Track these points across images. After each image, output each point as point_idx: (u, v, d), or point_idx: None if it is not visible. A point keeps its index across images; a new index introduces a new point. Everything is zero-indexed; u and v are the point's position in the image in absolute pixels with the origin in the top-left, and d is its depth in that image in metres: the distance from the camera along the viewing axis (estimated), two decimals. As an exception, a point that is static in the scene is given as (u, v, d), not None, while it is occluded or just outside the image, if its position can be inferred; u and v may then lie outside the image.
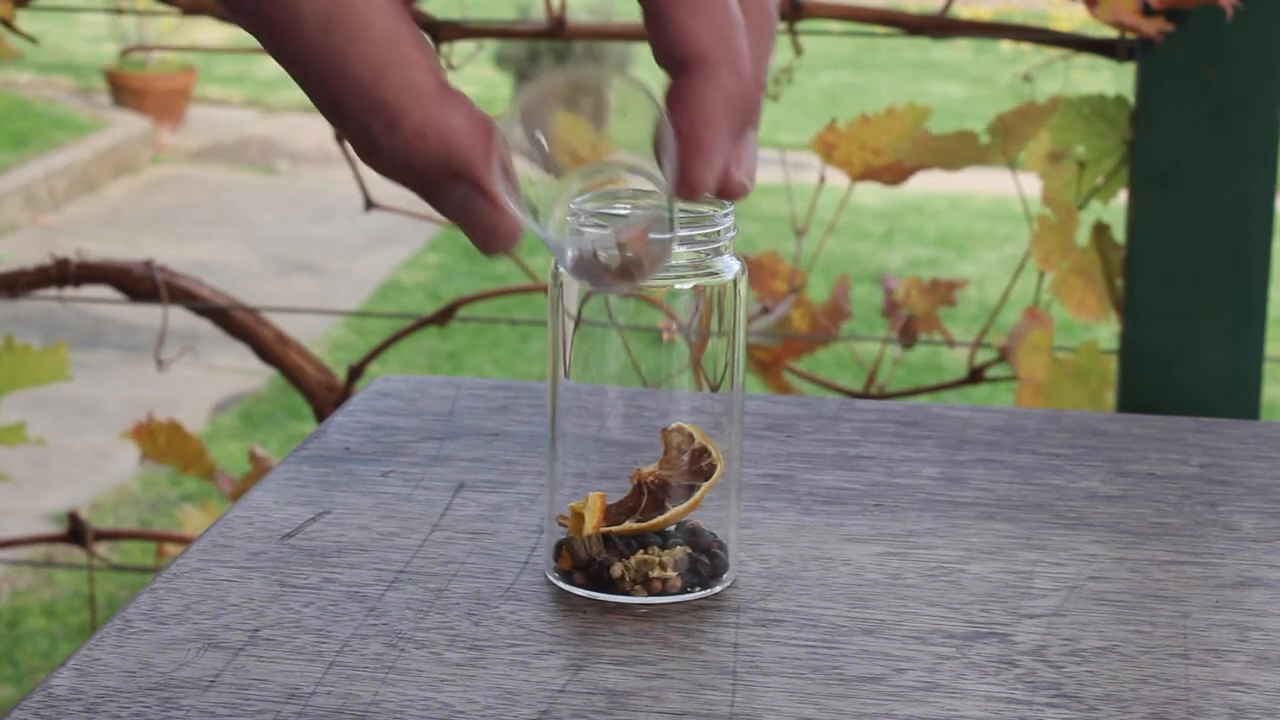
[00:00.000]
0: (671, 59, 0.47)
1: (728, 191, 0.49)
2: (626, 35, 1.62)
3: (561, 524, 0.68)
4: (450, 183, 0.47)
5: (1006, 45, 6.94)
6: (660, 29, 0.47)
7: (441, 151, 0.46)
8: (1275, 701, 0.61)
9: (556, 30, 1.46)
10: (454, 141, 0.46)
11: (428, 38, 0.47)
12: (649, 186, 0.54)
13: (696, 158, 0.47)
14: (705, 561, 0.67)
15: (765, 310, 1.51)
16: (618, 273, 0.52)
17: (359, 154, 0.47)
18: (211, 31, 7.02)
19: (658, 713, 0.59)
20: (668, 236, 0.52)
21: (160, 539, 1.95)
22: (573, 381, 0.67)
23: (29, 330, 3.48)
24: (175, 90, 6.40)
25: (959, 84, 7.25)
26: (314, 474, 0.79)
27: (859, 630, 0.65)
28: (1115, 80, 1.66)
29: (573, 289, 0.66)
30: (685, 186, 0.48)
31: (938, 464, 0.81)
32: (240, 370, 3.71)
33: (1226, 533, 0.75)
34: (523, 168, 0.49)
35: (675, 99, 0.47)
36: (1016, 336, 1.41)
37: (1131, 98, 1.39)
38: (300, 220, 5.21)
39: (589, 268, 0.53)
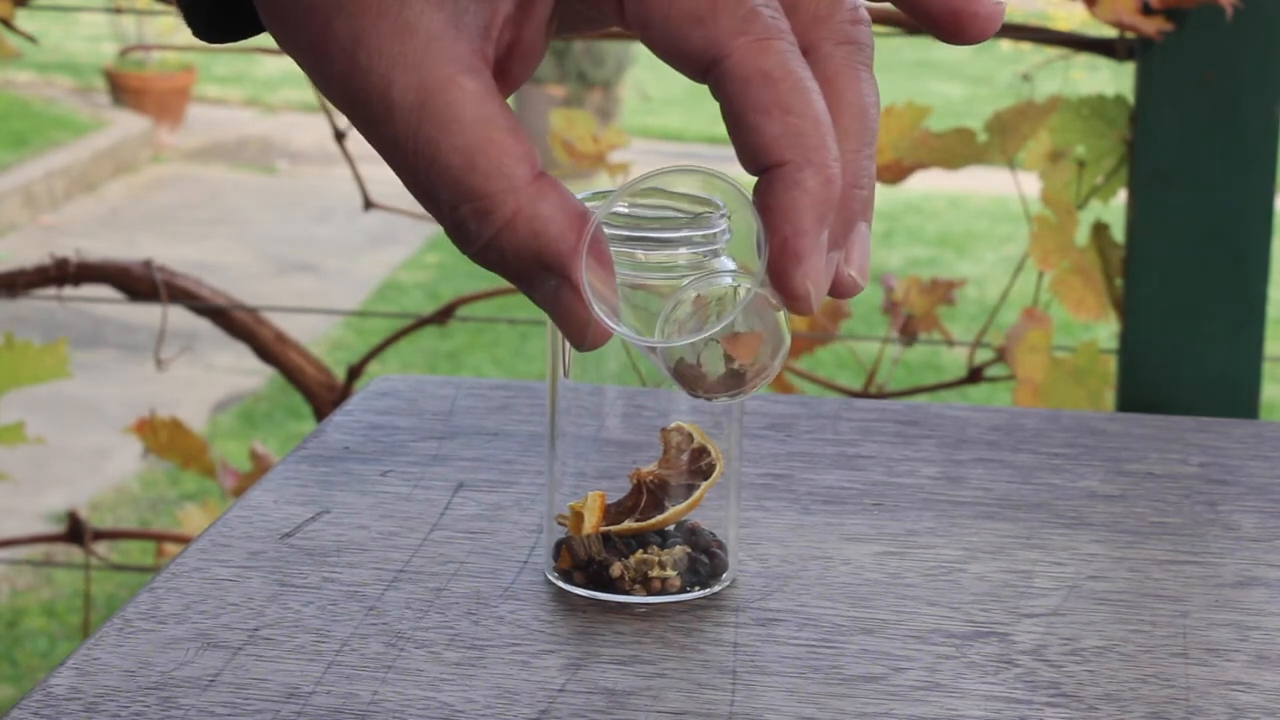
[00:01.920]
0: (753, 163, 0.45)
1: (838, 290, 0.47)
2: (626, 35, 1.62)
3: (561, 524, 0.68)
4: (541, 274, 0.46)
5: (1006, 45, 6.93)
6: (738, 133, 0.45)
7: (531, 243, 0.45)
8: (1275, 701, 0.61)
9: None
10: (544, 233, 0.45)
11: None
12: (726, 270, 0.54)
13: (791, 265, 0.46)
14: (705, 561, 0.67)
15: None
16: (716, 383, 0.51)
17: (453, 241, 0.46)
18: (211, 31, 7.02)
19: (657, 712, 0.59)
20: (781, 346, 0.50)
21: (159, 538, 1.95)
22: (572, 381, 0.67)
23: (29, 330, 3.48)
24: (175, 90, 6.41)
25: (958, 83, 7.25)
26: (313, 473, 0.79)
27: (859, 630, 0.65)
28: (1115, 80, 1.66)
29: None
30: (787, 297, 0.46)
31: (937, 463, 0.81)
32: (240, 370, 3.71)
33: (1226, 532, 0.75)
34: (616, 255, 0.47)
35: (760, 204, 0.45)
36: (1014, 337, 1.41)
37: (1131, 98, 1.39)
38: (300, 220, 5.21)
39: (684, 374, 0.51)
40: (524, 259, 0.46)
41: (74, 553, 2.50)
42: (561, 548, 0.68)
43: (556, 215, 0.45)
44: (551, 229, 0.45)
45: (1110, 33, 1.40)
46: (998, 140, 1.41)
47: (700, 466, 0.67)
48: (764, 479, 0.79)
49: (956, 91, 7.05)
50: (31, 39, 1.55)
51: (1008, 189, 1.67)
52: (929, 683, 0.61)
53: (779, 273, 0.46)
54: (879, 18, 1.46)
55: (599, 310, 0.47)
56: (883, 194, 5.31)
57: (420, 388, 0.89)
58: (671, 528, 0.68)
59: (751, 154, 0.45)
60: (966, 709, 0.60)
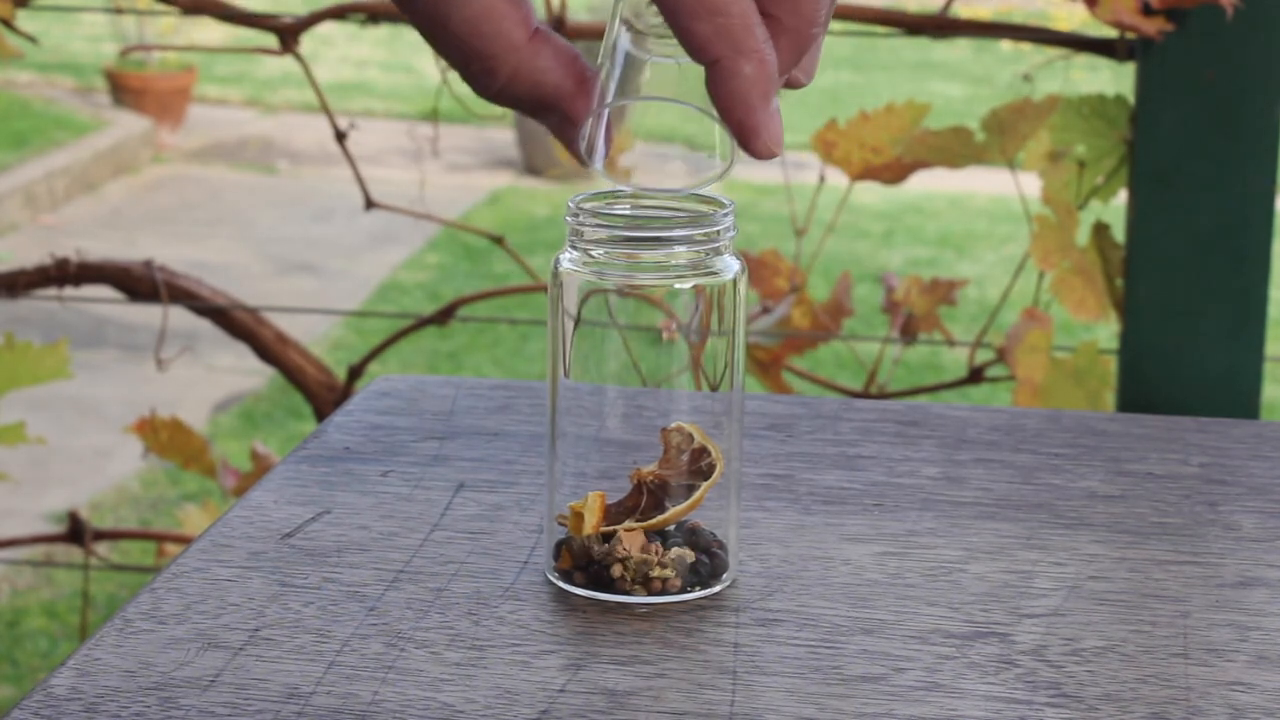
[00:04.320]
0: (697, 60, 0.54)
1: (789, 85, 0.57)
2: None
3: (561, 524, 0.68)
4: (544, 113, 0.57)
5: (1006, 45, 6.93)
6: (677, 34, 0.54)
7: (534, 92, 0.56)
8: (1275, 701, 0.61)
9: (556, 29, 1.46)
10: (543, 83, 0.56)
11: None
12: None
13: (750, 139, 0.55)
14: (705, 561, 0.67)
15: (765, 310, 1.51)
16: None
17: (472, 89, 0.57)
18: (211, 31, 7.02)
19: (658, 713, 0.59)
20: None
21: (160, 539, 1.95)
22: (572, 381, 0.67)
23: (29, 330, 3.48)
24: (175, 90, 6.40)
25: (959, 84, 7.25)
26: (314, 474, 0.79)
27: (859, 630, 0.65)
28: (1115, 80, 1.66)
29: (573, 288, 0.66)
30: (753, 157, 0.57)
31: (938, 464, 0.81)
32: (240, 370, 3.71)
33: (1226, 532, 0.75)
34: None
35: (710, 92, 0.55)
36: (1014, 337, 1.41)
37: (1131, 98, 1.39)
38: (300, 220, 5.21)
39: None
40: (529, 103, 0.57)
41: (74, 553, 2.49)
42: (562, 548, 0.68)
43: (552, 66, 0.56)
44: (549, 79, 0.56)
45: (1110, 33, 1.40)
46: (995, 139, 1.41)
47: (700, 467, 0.67)
48: (764, 479, 0.79)
49: (957, 91, 7.05)
50: (32, 39, 1.55)
51: (1008, 189, 1.67)
52: (929, 683, 0.61)
53: (742, 145, 0.56)
54: (880, 17, 1.46)
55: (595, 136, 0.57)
56: (883, 194, 5.31)
57: (420, 388, 0.90)
58: (672, 528, 0.68)
59: (691, 53, 0.54)
60: (966, 709, 0.60)
